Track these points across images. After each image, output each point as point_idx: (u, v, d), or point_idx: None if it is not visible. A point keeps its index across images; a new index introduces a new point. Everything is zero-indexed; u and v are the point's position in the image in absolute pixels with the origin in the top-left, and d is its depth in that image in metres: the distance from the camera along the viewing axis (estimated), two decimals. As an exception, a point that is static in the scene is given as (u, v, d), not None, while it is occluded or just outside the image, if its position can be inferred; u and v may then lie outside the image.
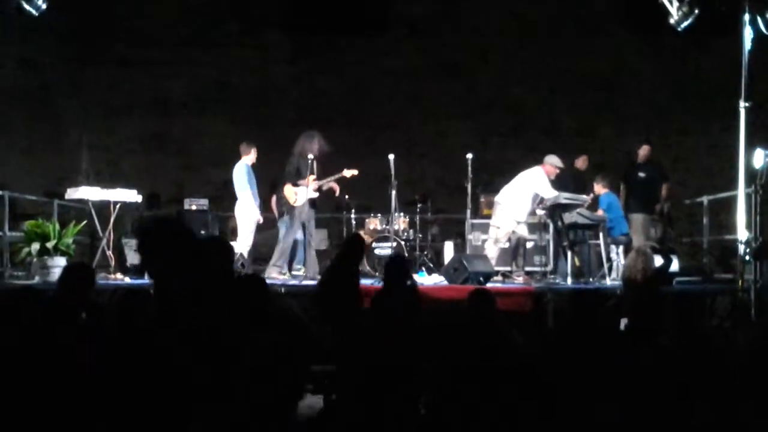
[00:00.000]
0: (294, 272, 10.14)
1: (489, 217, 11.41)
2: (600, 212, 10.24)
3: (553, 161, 10.18)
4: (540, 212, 10.52)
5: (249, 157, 9.93)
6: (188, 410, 4.37)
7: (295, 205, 9.91)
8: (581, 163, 11.85)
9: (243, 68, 14.79)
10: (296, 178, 9.96)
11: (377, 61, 14.74)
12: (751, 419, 4.25)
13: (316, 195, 10.06)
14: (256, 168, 10.28)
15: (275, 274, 9.75)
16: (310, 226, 10.15)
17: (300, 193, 9.92)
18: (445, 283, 9.11)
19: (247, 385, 3.02)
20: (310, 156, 9.88)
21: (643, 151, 11.40)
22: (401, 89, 14.69)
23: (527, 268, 10.75)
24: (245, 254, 9.51)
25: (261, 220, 10.24)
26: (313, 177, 9.96)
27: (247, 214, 9.74)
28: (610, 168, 11.82)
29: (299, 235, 10.19)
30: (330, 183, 10.11)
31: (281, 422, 3.00)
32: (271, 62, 14.89)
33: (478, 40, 14.68)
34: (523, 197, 10.10)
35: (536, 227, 11.00)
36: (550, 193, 9.97)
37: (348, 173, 10.04)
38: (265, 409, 2.97)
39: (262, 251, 10.85)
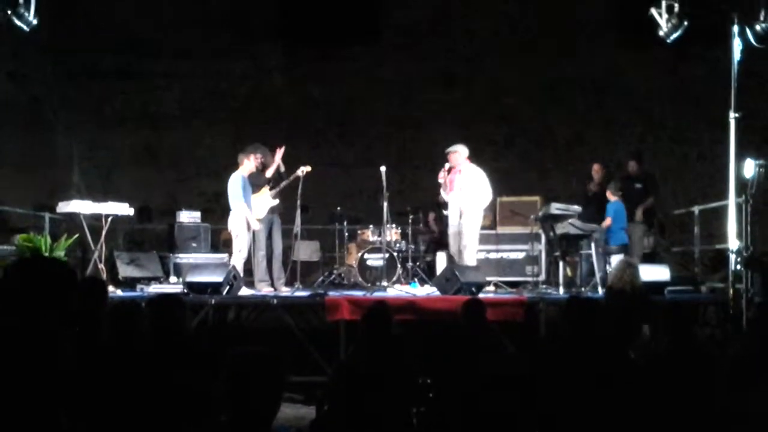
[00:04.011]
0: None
1: (481, 227, 11.45)
2: (608, 220, 10.30)
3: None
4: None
5: (245, 168, 9.86)
6: (177, 420, 4.38)
7: (257, 218, 9.89)
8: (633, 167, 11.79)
9: (236, 79, 14.83)
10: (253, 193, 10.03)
11: (370, 71, 14.77)
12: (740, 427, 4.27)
13: (276, 202, 10.11)
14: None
15: (265, 289, 9.75)
16: (275, 235, 10.15)
17: (259, 207, 9.94)
18: (438, 293, 9.10)
19: (224, 397, 3.03)
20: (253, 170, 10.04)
21: (632, 167, 11.51)
22: (394, 99, 14.72)
23: (518, 278, 10.83)
24: (239, 267, 9.47)
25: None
26: (268, 186, 10.06)
27: (240, 226, 9.68)
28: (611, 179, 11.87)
29: (277, 248, 10.19)
30: (285, 184, 10.14)
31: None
32: (264, 73, 14.92)
33: (471, 49, 14.74)
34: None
35: (529, 237, 11.03)
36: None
37: (302, 171, 10.02)
38: (243, 420, 2.98)
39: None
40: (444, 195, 10.18)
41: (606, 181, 11.54)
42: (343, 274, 11.56)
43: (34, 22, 8.72)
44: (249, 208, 9.76)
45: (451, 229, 10.03)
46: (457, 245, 9.92)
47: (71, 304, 3.52)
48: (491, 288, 10.14)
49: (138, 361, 4.44)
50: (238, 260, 9.65)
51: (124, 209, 10.24)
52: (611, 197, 10.54)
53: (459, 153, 10.04)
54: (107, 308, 4.85)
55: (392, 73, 14.75)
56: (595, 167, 11.81)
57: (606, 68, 14.55)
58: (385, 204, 10.14)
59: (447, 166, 10.05)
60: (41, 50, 13.31)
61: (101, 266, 9.82)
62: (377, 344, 4.95)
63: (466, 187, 9.96)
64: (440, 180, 10.13)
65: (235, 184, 9.71)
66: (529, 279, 10.85)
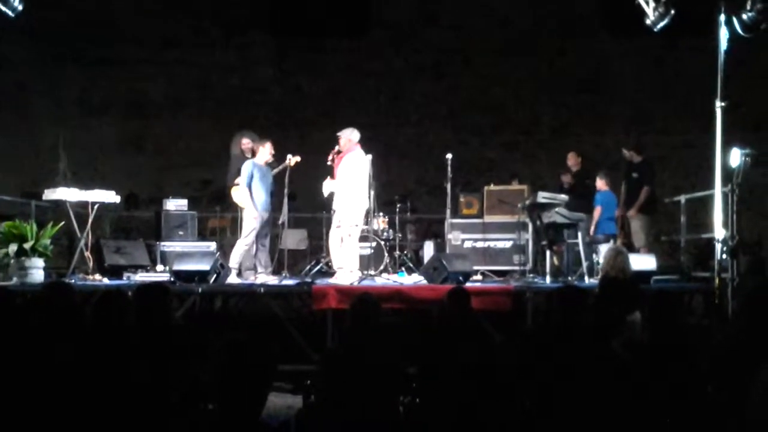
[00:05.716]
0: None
1: (469, 216, 11.46)
2: (598, 210, 10.33)
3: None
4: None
5: (261, 156, 9.95)
6: (165, 409, 4.37)
7: (244, 207, 9.91)
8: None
9: (224, 69, 14.79)
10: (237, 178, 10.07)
11: (359, 63, 14.77)
12: (723, 417, 4.30)
13: None
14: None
15: (251, 277, 9.76)
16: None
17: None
18: (425, 282, 9.11)
19: (213, 386, 3.03)
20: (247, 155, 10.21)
21: (631, 156, 11.34)
22: (382, 91, 14.72)
23: (505, 267, 10.84)
24: (240, 255, 9.55)
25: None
26: None
27: (247, 213, 9.77)
28: (590, 168, 11.85)
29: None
30: (275, 173, 10.17)
31: (248, 422, 3.01)
32: (253, 63, 14.89)
33: (459, 42, 14.73)
34: None
35: (516, 226, 11.03)
36: None
37: (292, 161, 10.01)
38: (231, 408, 2.98)
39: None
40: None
41: (582, 170, 11.57)
42: (330, 263, 11.54)
43: (20, 7, 8.64)
44: (263, 196, 9.85)
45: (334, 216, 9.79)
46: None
47: None
48: (478, 277, 10.16)
49: (125, 350, 4.43)
50: (238, 247, 9.69)
51: (111, 197, 10.20)
52: (601, 187, 10.57)
53: (346, 138, 9.67)
54: (94, 297, 4.84)
55: (380, 66, 14.75)
56: (570, 156, 11.80)
57: (594, 58, 14.57)
58: (372, 193, 10.13)
59: (336, 148, 9.73)
60: (27, 36, 13.23)
61: (87, 254, 9.79)
62: (364, 333, 4.95)
63: (343, 173, 9.60)
64: (329, 162, 9.76)
65: (245, 170, 9.84)
66: (516, 268, 10.86)
